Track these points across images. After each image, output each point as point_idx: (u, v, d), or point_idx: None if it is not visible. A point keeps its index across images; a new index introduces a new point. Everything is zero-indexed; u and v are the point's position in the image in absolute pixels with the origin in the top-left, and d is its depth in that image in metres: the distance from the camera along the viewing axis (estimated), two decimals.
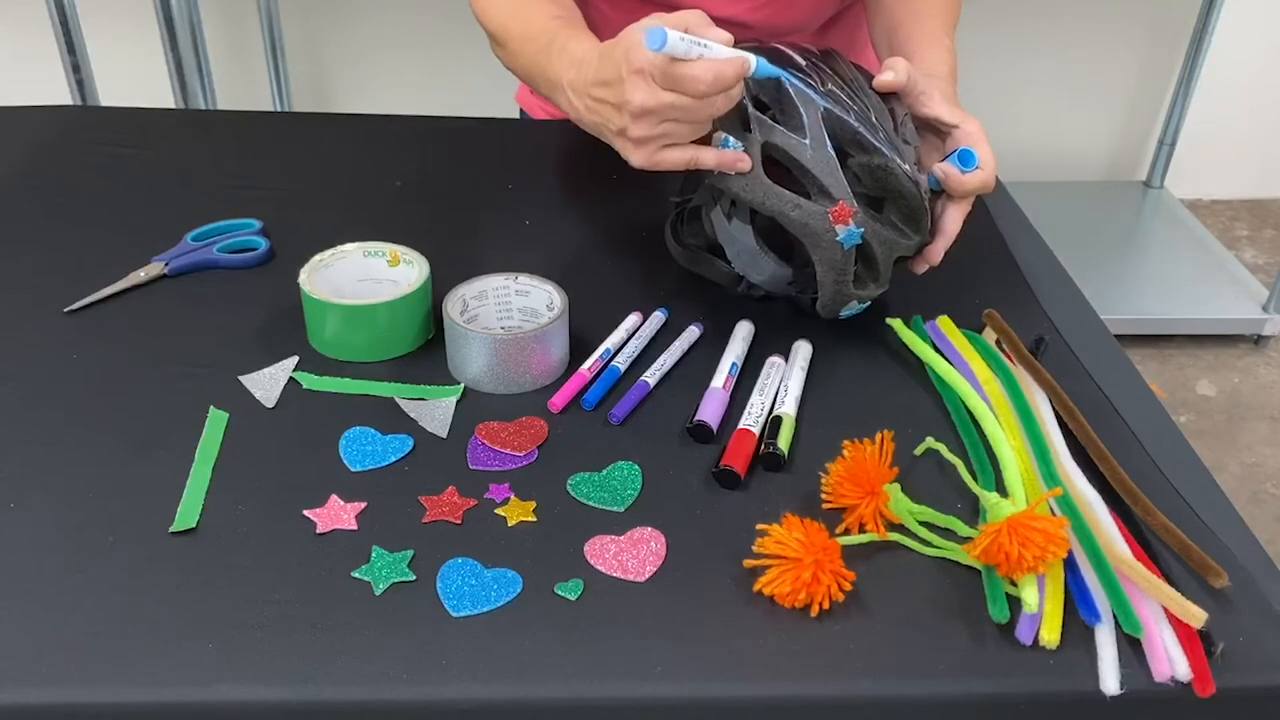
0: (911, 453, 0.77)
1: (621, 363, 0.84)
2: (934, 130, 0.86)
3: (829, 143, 0.79)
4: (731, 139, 0.79)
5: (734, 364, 0.83)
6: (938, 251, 0.85)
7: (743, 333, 0.87)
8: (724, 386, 0.81)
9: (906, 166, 0.80)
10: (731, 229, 0.86)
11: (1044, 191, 2.56)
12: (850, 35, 1.18)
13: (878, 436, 0.73)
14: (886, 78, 0.83)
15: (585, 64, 0.80)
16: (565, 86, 0.83)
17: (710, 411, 0.78)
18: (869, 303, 0.87)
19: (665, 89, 0.74)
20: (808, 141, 0.78)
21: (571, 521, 0.71)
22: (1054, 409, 0.80)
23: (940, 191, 0.85)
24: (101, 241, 0.98)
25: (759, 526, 0.67)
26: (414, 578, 0.66)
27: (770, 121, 0.79)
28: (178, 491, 0.72)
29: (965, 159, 0.82)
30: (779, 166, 0.80)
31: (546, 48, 0.86)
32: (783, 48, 0.83)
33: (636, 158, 0.79)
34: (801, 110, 0.79)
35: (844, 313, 0.86)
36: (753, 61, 0.76)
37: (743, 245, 0.86)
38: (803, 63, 0.82)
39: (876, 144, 0.79)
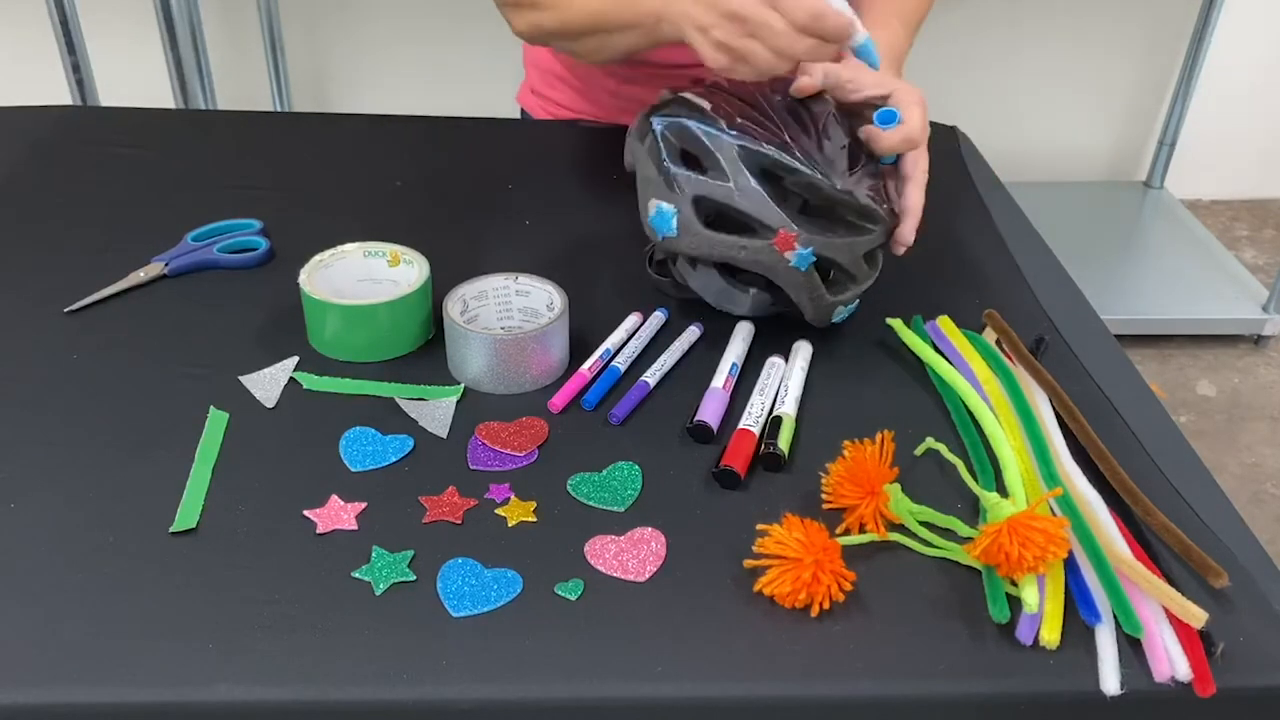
0: (911, 453, 0.77)
1: (621, 363, 0.84)
2: (872, 108, 0.86)
3: (752, 178, 0.79)
4: (664, 205, 0.81)
5: (734, 364, 0.84)
6: (908, 231, 0.85)
7: (743, 333, 0.87)
8: (724, 387, 0.81)
9: (830, 178, 0.80)
10: (699, 275, 0.87)
11: (1044, 191, 2.56)
12: None
13: (878, 436, 0.73)
14: (802, 83, 0.83)
15: None
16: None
17: (710, 411, 0.78)
18: (857, 301, 0.87)
19: (766, 4, 0.75)
20: (731, 184, 0.79)
21: (572, 521, 0.71)
22: (1054, 409, 0.80)
23: (895, 164, 0.86)
24: (101, 241, 0.98)
25: (759, 526, 0.67)
26: (414, 578, 0.66)
27: (692, 174, 0.80)
28: (178, 491, 0.72)
29: (885, 118, 0.83)
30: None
31: None
32: (687, 95, 0.83)
33: (713, 60, 0.80)
34: (717, 154, 0.80)
35: (836, 318, 0.86)
36: (860, 33, 0.76)
37: (715, 288, 0.87)
38: (707, 105, 0.82)
39: (797, 165, 0.80)
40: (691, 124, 0.81)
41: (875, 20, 0.94)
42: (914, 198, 0.85)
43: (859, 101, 0.85)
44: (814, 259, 0.81)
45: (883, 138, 0.82)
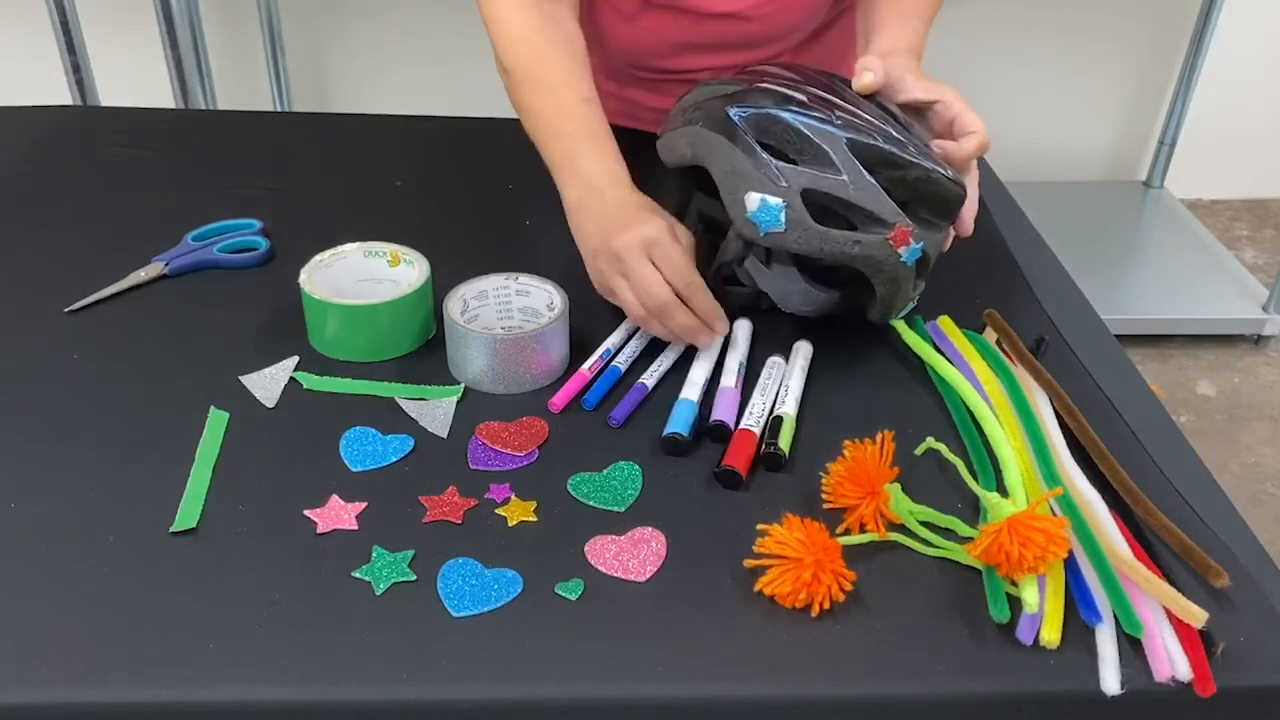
0: (912, 453, 0.77)
1: (622, 363, 0.84)
2: (912, 110, 0.86)
3: (865, 171, 0.77)
4: (768, 198, 0.77)
5: (741, 363, 0.83)
6: (969, 221, 0.86)
7: (743, 331, 0.87)
8: (735, 385, 0.81)
9: (945, 170, 0.79)
10: (773, 274, 0.84)
11: (1044, 191, 2.56)
12: (853, 38, 1.17)
13: (878, 436, 0.73)
14: (867, 80, 0.83)
15: (606, 192, 0.85)
16: (583, 187, 0.87)
17: (724, 409, 0.78)
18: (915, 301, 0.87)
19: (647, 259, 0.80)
20: (845, 177, 0.77)
21: (572, 521, 0.71)
22: (1054, 409, 0.80)
23: None
24: (101, 241, 0.98)
25: (759, 526, 0.67)
26: (414, 578, 0.66)
27: (798, 167, 0.77)
28: (178, 491, 0.72)
29: None
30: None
31: (577, 139, 0.89)
32: (775, 87, 0.81)
33: (593, 280, 0.85)
34: (826, 148, 0.77)
35: (895, 316, 0.86)
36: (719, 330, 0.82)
37: (791, 288, 0.85)
38: (804, 98, 0.80)
39: (910, 159, 0.78)
40: (787, 115, 0.78)
41: (895, 18, 0.94)
42: (971, 188, 0.86)
43: (902, 104, 0.85)
44: (921, 254, 0.80)
45: (961, 149, 0.83)
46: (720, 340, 0.84)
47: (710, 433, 0.78)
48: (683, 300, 0.80)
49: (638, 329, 0.88)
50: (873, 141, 0.78)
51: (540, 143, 0.92)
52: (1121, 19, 2.51)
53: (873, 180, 0.77)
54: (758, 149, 0.78)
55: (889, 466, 0.71)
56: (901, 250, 0.78)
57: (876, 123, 0.79)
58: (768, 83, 0.81)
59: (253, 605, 0.64)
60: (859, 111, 0.80)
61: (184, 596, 0.64)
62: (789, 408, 0.79)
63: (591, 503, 0.72)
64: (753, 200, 0.78)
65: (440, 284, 0.86)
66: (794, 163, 0.78)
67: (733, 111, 0.79)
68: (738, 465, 0.73)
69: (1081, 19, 2.49)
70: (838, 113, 0.79)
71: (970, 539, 0.67)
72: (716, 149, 0.80)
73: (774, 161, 0.78)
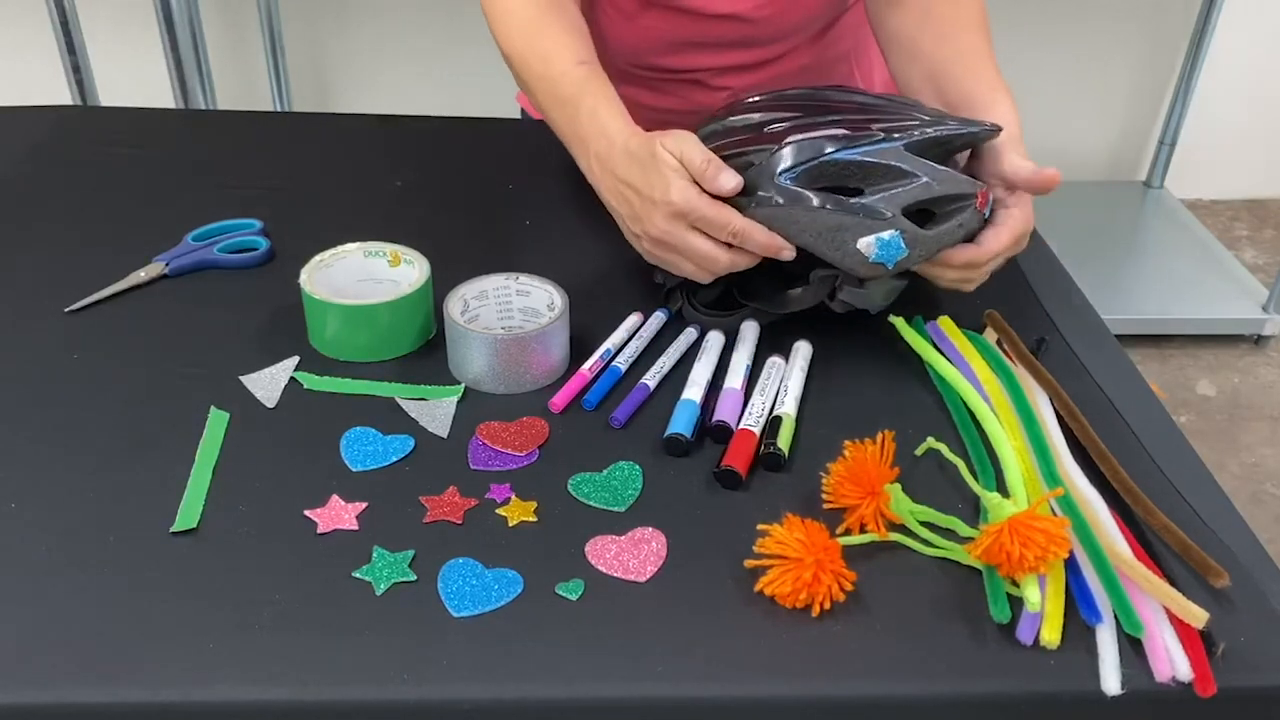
0: (912, 453, 0.77)
1: (622, 363, 0.84)
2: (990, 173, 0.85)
3: (933, 162, 0.79)
4: (883, 235, 0.78)
5: (747, 365, 0.83)
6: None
7: (750, 332, 0.87)
8: (740, 386, 0.81)
9: (976, 125, 0.82)
10: (870, 289, 0.84)
11: None
12: (854, 38, 1.17)
13: (878, 436, 0.73)
14: (1032, 179, 0.82)
15: (614, 145, 0.83)
16: (591, 155, 0.85)
17: (727, 410, 0.78)
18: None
19: (688, 228, 0.79)
20: (924, 178, 0.78)
21: (572, 521, 0.71)
22: (1054, 409, 0.80)
23: None
24: (101, 241, 0.98)
25: (760, 526, 0.67)
26: (415, 578, 0.66)
27: (885, 193, 0.78)
28: (178, 491, 0.72)
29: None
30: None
31: (575, 101, 0.87)
32: (801, 138, 0.79)
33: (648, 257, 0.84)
34: (892, 163, 0.78)
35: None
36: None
37: (887, 290, 0.86)
38: (841, 132, 0.79)
39: (951, 132, 0.80)
40: (839, 155, 0.78)
41: (986, 86, 0.91)
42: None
43: (996, 171, 0.85)
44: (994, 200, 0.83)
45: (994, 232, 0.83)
46: (711, 342, 0.85)
47: (711, 433, 0.78)
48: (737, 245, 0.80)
49: (638, 329, 0.88)
50: (922, 135, 0.80)
51: (548, 117, 0.92)
52: (1121, 19, 2.51)
53: (942, 167, 0.79)
54: (834, 198, 0.78)
55: (889, 466, 0.71)
56: (985, 211, 0.81)
57: (902, 118, 0.81)
58: (788, 137, 0.80)
59: (253, 605, 0.64)
60: (883, 116, 0.81)
61: (184, 596, 0.64)
62: (789, 408, 0.79)
63: (592, 503, 0.72)
64: (868, 244, 0.78)
65: (440, 284, 0.86)
66: (862, 193, 0.79)
67: (781, 180, 0.79)
68: (737, 465, 0.73)
69: (1081, 19, 2.49)
70: (875, 127, 0.80)
71: (971, 539, 0.67)
72: (794, 219, 0.79)
73: (859, 201, 0.78)
